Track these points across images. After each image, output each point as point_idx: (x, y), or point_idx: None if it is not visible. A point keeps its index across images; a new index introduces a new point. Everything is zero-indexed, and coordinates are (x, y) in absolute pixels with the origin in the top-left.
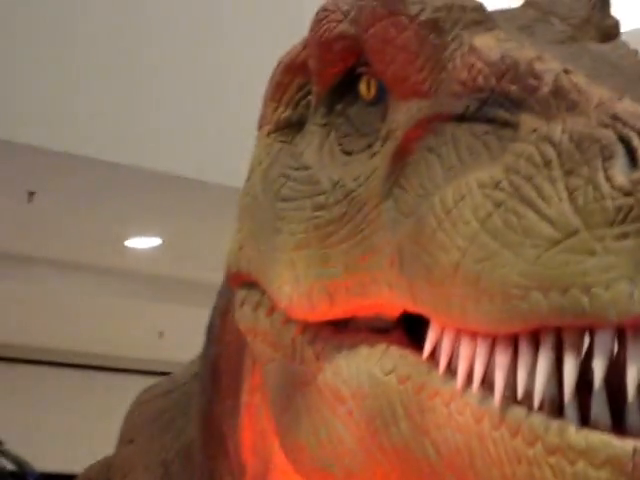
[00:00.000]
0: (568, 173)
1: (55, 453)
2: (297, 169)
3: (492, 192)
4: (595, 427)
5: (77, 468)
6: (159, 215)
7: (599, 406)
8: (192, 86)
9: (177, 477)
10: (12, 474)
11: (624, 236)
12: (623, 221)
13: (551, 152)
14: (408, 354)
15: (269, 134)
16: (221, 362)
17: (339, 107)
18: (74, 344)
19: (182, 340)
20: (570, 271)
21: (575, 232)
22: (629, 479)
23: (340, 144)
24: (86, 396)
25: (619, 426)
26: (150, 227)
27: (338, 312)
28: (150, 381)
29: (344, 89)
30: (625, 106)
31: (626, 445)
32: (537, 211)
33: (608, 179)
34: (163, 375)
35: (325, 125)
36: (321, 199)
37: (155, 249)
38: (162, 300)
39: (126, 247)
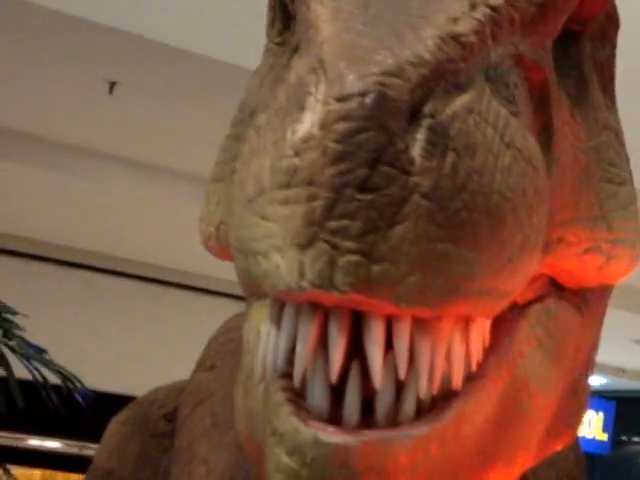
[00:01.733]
0: (281, 123)
1: (116, 373)
2: (245, 92)
3: (254, 137)
4: (312, 411)
5: (138, 391)
6: None
7: (316, 390)
8: None
9: None
10: (56, 388)
11: (285, 201)
12: (288, 185)
13: (283, 97)
14: None
15: (267, 50)
16: None
17: (293, 24)
18: (149, 255)
19: None
20: (248, 234)
21: (261, 192)
22: (309, 472)
23: (284, 68)
24: (156, 313)
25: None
26: None
27: None
28: (228, 304)
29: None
30: (341, 45)
31: (306, 435)
32: (254, 162)
33: (292, 134)
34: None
35: (280, 44)
36: (240, 129)
37: None
38: None
39: None
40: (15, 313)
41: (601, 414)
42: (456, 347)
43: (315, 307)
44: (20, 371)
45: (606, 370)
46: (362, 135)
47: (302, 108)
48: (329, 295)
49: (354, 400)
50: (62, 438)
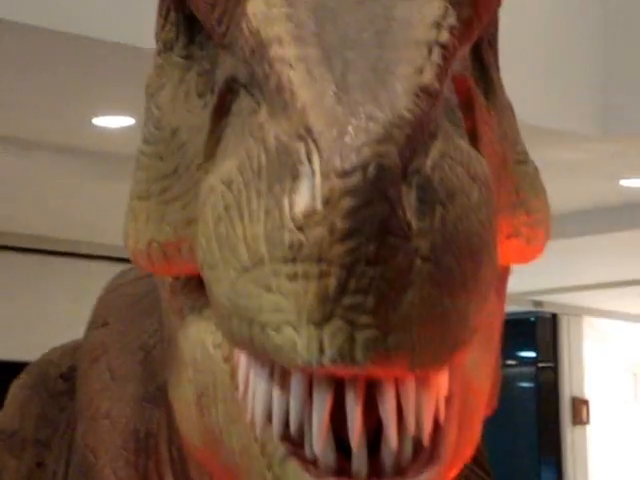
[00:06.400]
0: (269, 188)
1: (13, 341)
2: (156, 107)
3: (226, 192)
4: (320, 467)
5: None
6: (130, 92)
7: (323, 447)
8: None
9: (159, 362)
10: None
11: (293, 277)
12: (294, 259)
13: (263, 159)
14: None
15: (159, 53)
16: None
17: (199, 39)
18: (38, 228)
19: None
20: (252, 304)
21: (260, 262)
22: None
23: (196, 83)
24: (55, 284)
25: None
26: (121, 105)
27: (177, 272)
28: (105, 267)
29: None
30: (325, 112)
31: None
32: (243, 228)
33: (290, 206)
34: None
35: (186, 57)
36: (161, 148)
37: (127, 129)
38: None
39: (94, 125)
40: None
41: None
42: (442, 389)
43: (329, 378)
44: None
45: None
46: (368, 209)
47: (296, 178)
48: (349, 369)
49: (363, 456)
50: None
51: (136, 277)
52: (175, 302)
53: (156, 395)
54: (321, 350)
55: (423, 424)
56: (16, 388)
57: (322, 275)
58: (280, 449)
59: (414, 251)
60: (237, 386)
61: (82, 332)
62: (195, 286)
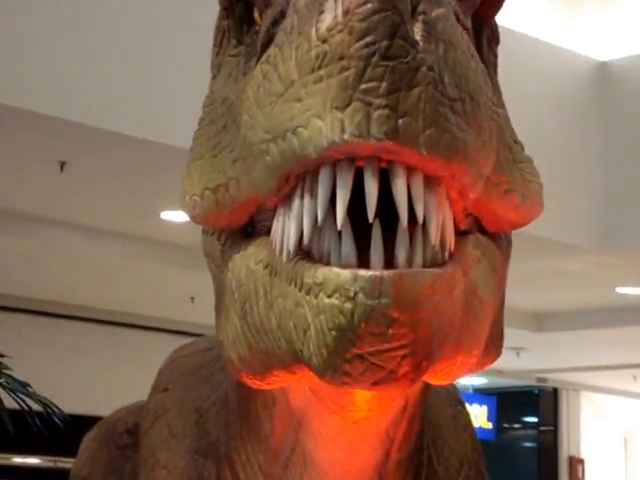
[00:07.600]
0: (299, 34)
1: (87, 402)
2: (208, 96)
3: (265, 65)
4: (343, 263)
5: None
6: None
7: (346, 244)
8: None
9: (212, 422)
10: (38, 415)
11: (319, 79)
12: (320, 66)
13: (294, 19)
14: None
15: (214, 78)
16: None
17: (247, 38)
18: (112, 304)
19: (211, 304)
20: (285, 117)
21: (292, 83)
22: (353, 305)
23: (242, 68)
24: (122, 351)
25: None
26: None
27: (226, 219)
28: (181, 340)
29: (249, 20)
30: None
31: (346, 274)
32: (278, 74)
33: (316, 31)
34: (194, 335)
35: (235, 56)
36: (213, 115)
37: (189, 222)
38: (194, 267)
39: (161, 219)
40: (2, 355)
41: (484, 407)
42: (448, 218)
43: (350, 164)
44: (8, 402)
45: (486, 372)
46: (381, 14)
47: (321, 12)
48: (366, 144)
49: (379, 246)
50: (40, 455)
51: (193, 351)
52: (223, 260)
53: (208, 449)
54: (342, 129)
55: (432, 219)
56: (88, 440)
57: (343, 69)
58: (308, 264)
59: (420, 60)
60: (276, 270)
61: (145, 394)
62: (239, 237)
